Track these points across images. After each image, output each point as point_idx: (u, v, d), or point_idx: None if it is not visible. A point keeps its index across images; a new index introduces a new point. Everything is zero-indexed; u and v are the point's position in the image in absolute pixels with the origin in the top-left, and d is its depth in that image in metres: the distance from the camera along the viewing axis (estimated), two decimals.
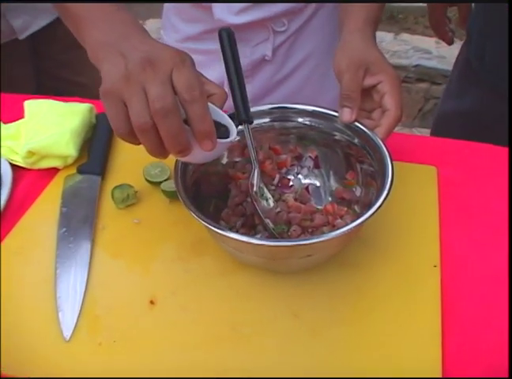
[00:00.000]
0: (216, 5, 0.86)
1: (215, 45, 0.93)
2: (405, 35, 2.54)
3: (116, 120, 0.50)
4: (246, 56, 0.92)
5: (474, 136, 0.82)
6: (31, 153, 0.78)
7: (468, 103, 1.00)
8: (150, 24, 2.49)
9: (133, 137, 0.51)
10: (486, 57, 0.92)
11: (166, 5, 1.00)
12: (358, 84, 0.65)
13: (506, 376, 0.52)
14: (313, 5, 0.92)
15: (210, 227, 0.54)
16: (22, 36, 1.16)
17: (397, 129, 0.68)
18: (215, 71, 0.77)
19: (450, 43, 1.19)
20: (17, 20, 1.13)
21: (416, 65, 2.33)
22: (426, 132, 1.34)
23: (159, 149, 0.52)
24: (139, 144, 0.52)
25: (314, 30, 0.94)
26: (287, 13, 0.89)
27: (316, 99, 0.71)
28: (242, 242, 0.53)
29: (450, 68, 1.11)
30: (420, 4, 2.49)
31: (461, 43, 1.05)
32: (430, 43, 2.41)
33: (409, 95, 2.35)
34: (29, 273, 0.66)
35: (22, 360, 0.57)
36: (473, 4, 1.03)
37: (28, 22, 1.15)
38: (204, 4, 0.88)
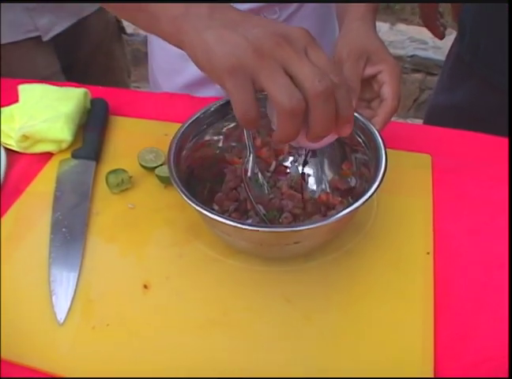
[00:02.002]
0: None
1: None
2: (401, 26, 2.54)
3: (245, 102, 0.43)
4: None
5: (467, 129, 0.82)
6: (25, 137, 0.77)
7: (461, 96, 1.00)
8: None
9: (258, 122, 0.45)
10: (480, 48, 0.92)
11: None
12: (358, 74, 0.65)
13: (501, 364, 0.53)
14: None
15: (199, 209, 0.54)
16: (46, 38, 1.11)
17: (391, 119, 0.68)
18: None
19: (441, 37, 1.19)
20: (42, 19, 1.08)
21: (412, 56, 2.33)
22: (420, 122, 1.34)
23: (296, 135, 0.45)
24: (256, 129, 0.46)
25: (303, 18, 0.95)
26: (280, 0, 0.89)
27: None
28: (230, 226, 0.53)
29: None
30: None
31: (455, 33, 1.05)
32: (426, 33, 2.39)
33: (404, 86, 2.35)
34: (23, 257, 0.66)
35: (15, 343, 0.57)
36: None
37: (52, 23, 1.11)
38: None
